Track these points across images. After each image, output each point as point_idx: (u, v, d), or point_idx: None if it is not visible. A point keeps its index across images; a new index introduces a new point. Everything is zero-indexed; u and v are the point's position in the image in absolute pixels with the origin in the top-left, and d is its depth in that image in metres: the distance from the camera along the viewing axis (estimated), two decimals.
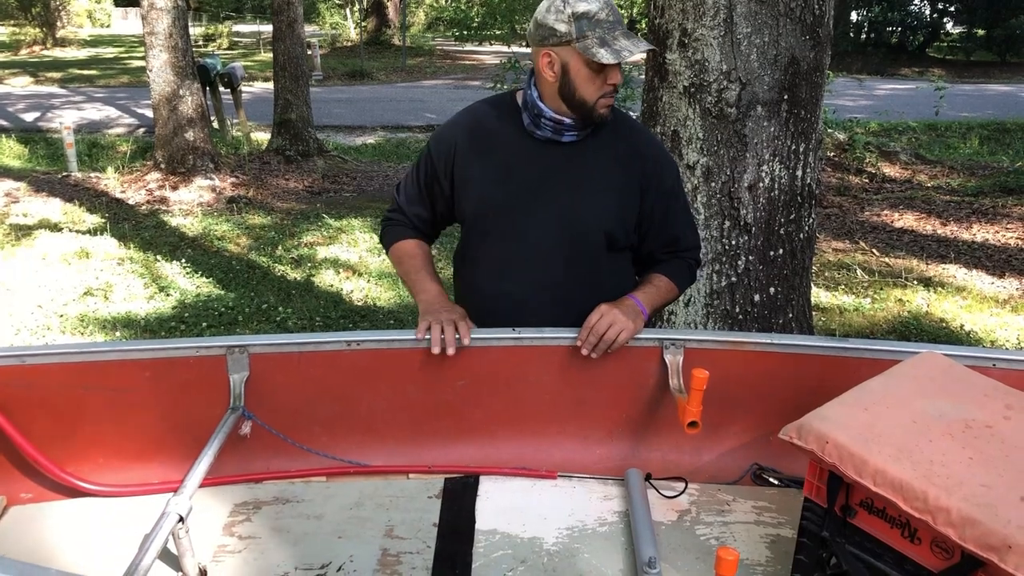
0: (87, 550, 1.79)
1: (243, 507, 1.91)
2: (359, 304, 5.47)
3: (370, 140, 12.18)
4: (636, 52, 1.86)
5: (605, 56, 1.83)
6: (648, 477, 1.95)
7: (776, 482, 1.97)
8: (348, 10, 29.12)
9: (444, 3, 42.50)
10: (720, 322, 2.97)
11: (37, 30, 28.09)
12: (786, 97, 2.79)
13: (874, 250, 6.66)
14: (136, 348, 1.94)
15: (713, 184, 2.86)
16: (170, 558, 1.65)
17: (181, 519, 1.61)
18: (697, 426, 1.82)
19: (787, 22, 2.73)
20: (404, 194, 2.20)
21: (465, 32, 12.00)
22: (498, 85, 9.67)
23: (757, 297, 2.95)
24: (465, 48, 26.93)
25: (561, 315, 2.04)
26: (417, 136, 12.53)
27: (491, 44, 12.17)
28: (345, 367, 2.00)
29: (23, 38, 27.92)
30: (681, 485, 1.93)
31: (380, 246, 6.52)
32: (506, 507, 1.89)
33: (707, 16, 2.75)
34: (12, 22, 28.74)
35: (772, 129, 2.81)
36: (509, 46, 10.34)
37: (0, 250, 6.49)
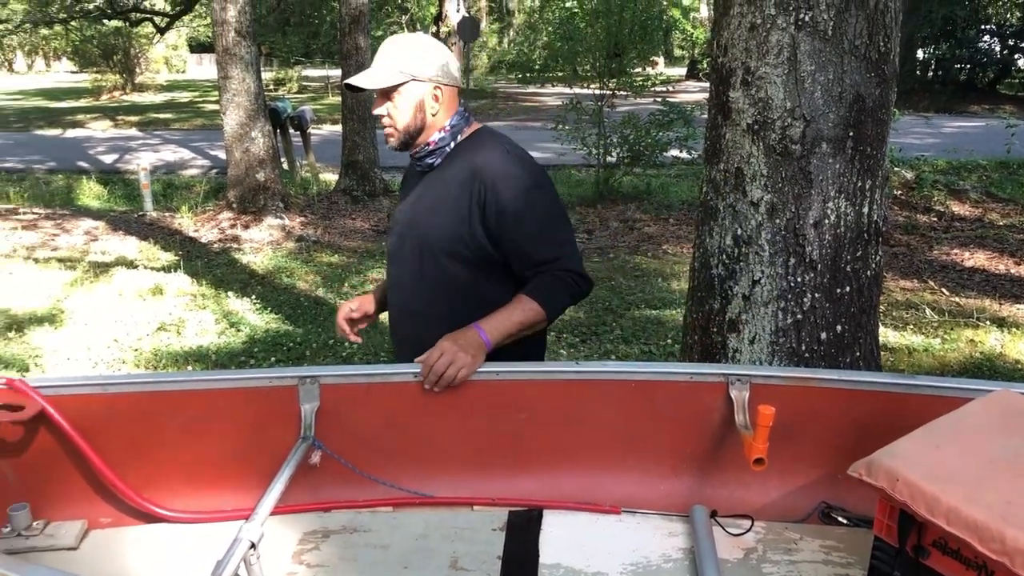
0: (159, 574, 1.84)
1: (312, 535, 1.95)
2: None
3: None
4: (350, 81, 2.16)
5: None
6: (714, 514, 1.93)
7: (845, 521, 1.93)
8: None
9: (507, 47, 43.15)
10: (786, 360, 2.94)
11: (117, 76, 29.31)
12: (851, 134, 2.78)
13: (943, 289, 6.52)
14: (212, 378, 2.00)
15: (777, 221, 2.85)
16: None
17: (253, 545, 1.65)
18: (763, 463, 1.81)
19: (852, 59, 2.72)
20: None
21: (528, 75, 12.15)
22: (559, 126, 9.76)
23: (823, 335, 2.91)
24: (527, 90, 27.27)
25: (421, 331, 2.18)
26: None
27: (553, 86, 12.28)
28: (411, 398, 2.04)
29: (104, 84, 29.18)
30: (747, 523, 1.91)
31: None
32: (570, 542, 1.90)
33: (770, 54, 2.76)
34: (95, 69, 30.05)
35: (837, 166, 2.79)
36: (571, 87, 10.41)
37: (80, 286, 6.73)
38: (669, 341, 5.31)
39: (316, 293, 6.64)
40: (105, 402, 1.97)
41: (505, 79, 32.82)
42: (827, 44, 2.72)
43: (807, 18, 2.72)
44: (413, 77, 2.14)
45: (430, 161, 2.24)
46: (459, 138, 2.23)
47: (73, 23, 25.29)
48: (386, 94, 2.15)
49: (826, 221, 2.84)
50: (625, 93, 10.14)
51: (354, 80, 2.15)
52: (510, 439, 2.08)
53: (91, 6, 22.74)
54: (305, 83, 29.78)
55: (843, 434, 1.98)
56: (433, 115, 2.19)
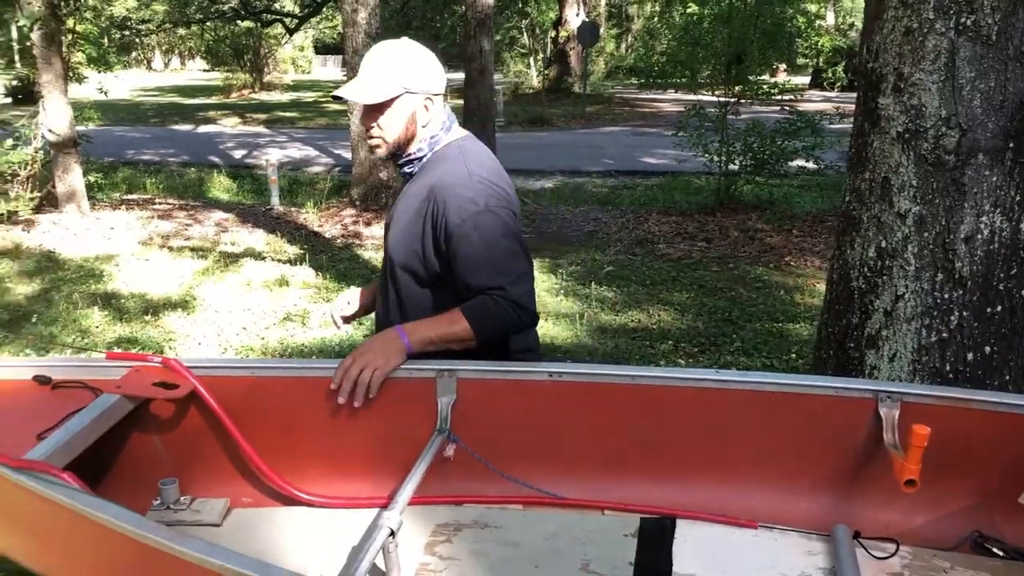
0: (298, 555, 1.89)
1: (444, 528, 1.96)
2: None
3: (548, 184, 12.39)
4: (339, 94, 2.12)
5: None
6: (856, 535, 1.85)
7: (1001, 553, 1.82)
8: (532, 59, 29.93)
9: (624, 52, 42.93)
10: (928, 380, 2.80)
11: (247, 75, 30.56)
12: (1011, 145, 2.63)
13: None
14: None
15: (926, 234, 2.72)
16: (375, 571, 1.72)
17: (392, 533, 1.68)
18: (915, 485, 1.72)
19: (1017, 66, 2.58)
20: None
21: (649, 79, 12.04)
22: (679, 132, 9.63)
23: (970, 356, 2.76)
24: (643, 96, 27.04)
25: None
26: (595, 180, 12.64)
27: (673, 92, 12.13)
28: (546, 397, 2.03)
29: (235, 82, 30.47)
30: (892, 546, 1.83)
31: (558, 286, 6.62)
32: (704, 553, 1.86)
33: (926, 60, 2.64)
34: (226, 68, 31.44)
35: (994, 178, 2.65)
36: (696, 93, 10.25)
37: (210, 275, 7.03)
38: (793, 355, 5.15)
39: None
40: (252, 385, 2.04)
41: (622, 84, 32.68)
42: (990, 50, 2.58)
43: (968, 22, 2.59)
44: (407, 89, 2.08)
45: (408, 170, 2.22)
46: (435, 148, 2.19)
47: (208, 23, 26.50)
48: (376, 107, 2.10)
49: (979, 236, 2.70)
50: (747, 100, 9.92)
51: (346, 92, 2.09)
52: (644, 444, 2.05)
53: (226, 7, 23.77)
54: None
55: (1001, 460, 1.87)
56: (423, 126, 2.15)
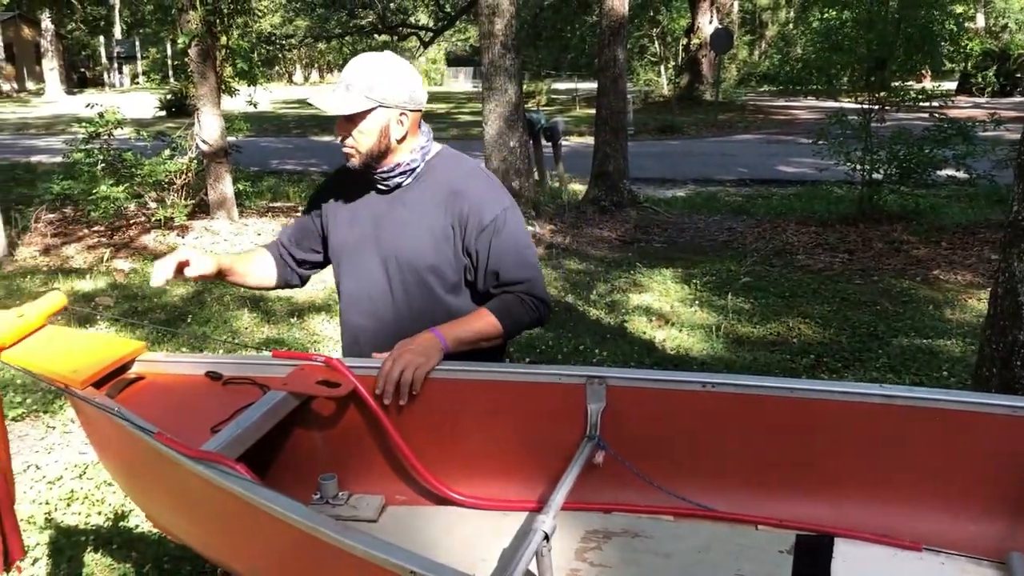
0: (451, 554, 1.92)
1: (594, 535, 1.96)
2: (672, 353, 5.47)
3: (680, 193, 12.23)
4: (311, 102, 2.15)
5: None
6: None
7: None
8: (662, 67, 29.65)
9: (757, 59, 41.97)
10: None
11: None
12: None
13: None
14: (505, 371, 2.08)
15: None
16: (526, 574, 1.73)
17: (546, 537, 1.69)
18: None
19: None
20: (284, 230, 2.49)
21: (784, 86, 11.74)
22: (819, 140, 9.31)
23: None
24: (778, 103, 26.37)
25: (388, 346, 2.13)
26: (728, 190, 12.39)
27: (817, 98, 11.75)
28: (697, 408, 2.00)
29: None
30: None
31: (692, 297, 6.52)
32: (864, 574, 1.78)
33: None
34: None
35: None
36: (837, 100, 9.91)
37: None
38: (944, 374, 4.90)
39: (565, 299, 6.75)
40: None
41: (754, 91, 31.94)
42: None
43: None
44: (380, 103, 2.10)
45: (398, 181, 2.23)
46: (428, 157, 2.24)
47: (346, 38, 27.46)
48: (350, 118, 2.11)
49: None
50: (891, 107, 9.50)
51: (319, 103, 2.12)
52: (799, 459, 1.98)
53: (364, 22, 24.58)
54: (553, 96, 30.51)
55: None
56: (398, 140, 2.16)
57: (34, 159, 16.14)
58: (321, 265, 2.49)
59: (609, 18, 9.77)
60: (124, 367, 2.09)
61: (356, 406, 2.09)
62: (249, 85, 10.54)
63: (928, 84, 13.89)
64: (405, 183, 2.24)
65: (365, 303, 2.28)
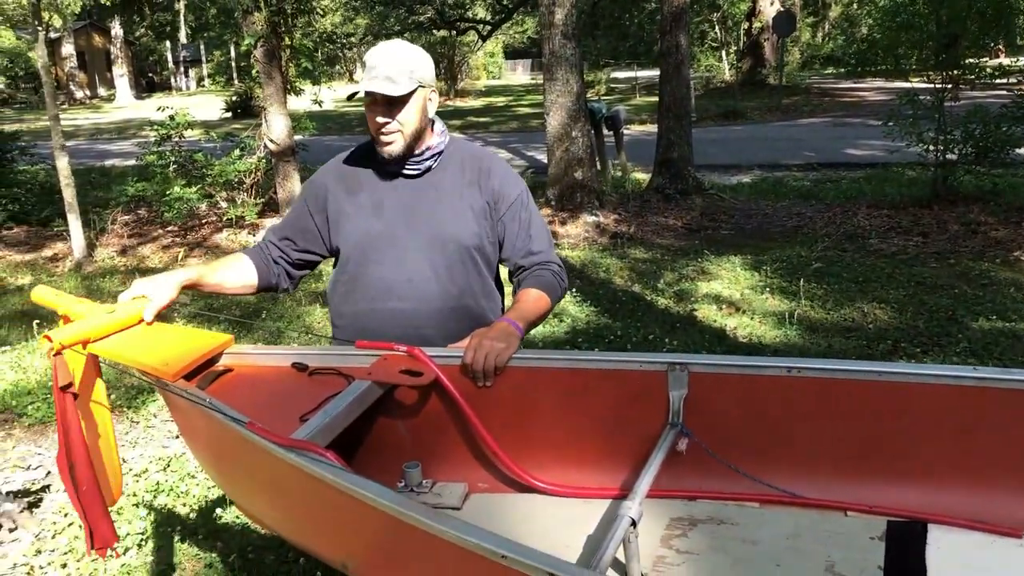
0: (533, 541, 1.92)
1: (679, 522, 1.95)
2: (744, 341, 5.40)
3: (745, 179, 12.05)
4: (362, 89, 2.15)
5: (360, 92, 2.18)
6: None
7: None
8: (723, 52, 29.23)
9: (821, 41, 41.08)
10: None
11: (442, 83, 31.73)
12: None
13: None
14: (586, 358, 2.08)
15: None
16: (613, 561, 1.72)
17: (633, 523, 1.68)
18: None
19: None
20: (272, 232, 2.45)
21: (851, 68, 11.45)
22: (889, 122, 9.05)
23: None
24: (843, 85, 25.77)
25: (451, 325, 2.27)
26: (795, 174, 12.17)
27: (877, 80, 11.46)
28: (782, 393, 1.97)
29: None
30: None
31: (763, 283, 6.42)
32: (961, 562, 1.74)
33: None
34: None
35: None
36: (908, 80, 9.63)
37: None
38: None
39: (632, 288, 6.71)
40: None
41: (819, 74, 31.27)
42: None
43: None
44: (420, 83, 2.19)
45: (429, 164, 2.30)
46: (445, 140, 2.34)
47: (406, 35, 27.65)
48: (393, 103, 2.16)
49: None
50: (964, 86, 9.20)
51: (376, 87, 2.13)
52: (888, 444, 1.94)
53: (423, 18, 24.71)
54: (613, 84, 30.31)
55: None
56: (430, 120, 2.28)
57: (108, 163, 16.63)
58: (315, 264, 2.48)
59: (670, 4, 9.65)
60: (213, 360, 2.14)
61: (437, 395, 2.11)
62: (313, 84, 10.68)
63: (1004, 60, 13.41)
64: (433, 167, 2.32)
65: (404, 287, 2.28)
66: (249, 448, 1.82)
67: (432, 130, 2.31)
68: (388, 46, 2.22)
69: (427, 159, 2.30)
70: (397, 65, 2.15)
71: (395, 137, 2.20)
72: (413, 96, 2.18)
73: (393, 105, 2.17)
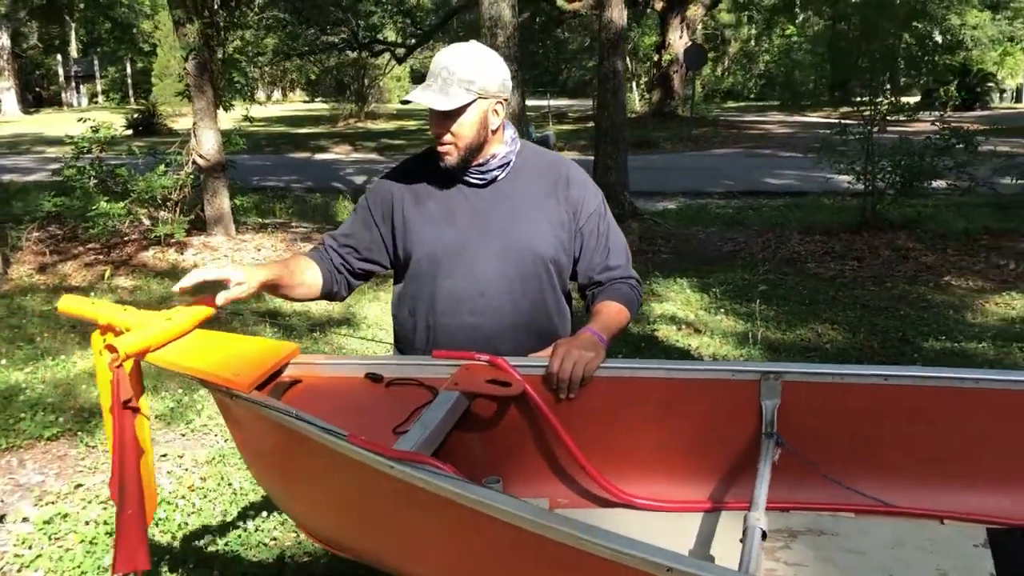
0: None
1: (778, 534, 1.90)
2: (709, 359, 5.44)
3: (671, 205, 12.29)
4: (412, 97, 2.08)
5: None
6: None
7: None
8: (635, 83, 29.92)
9: (721, 75, 42.52)
10: None
11: (352, 105, 31.44)
12: None
13: None
14: (676, 367, 2.02)
15: None
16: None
17: (764, 535, 1.63)
18: None
19: None
20: (333, 238, 2.31)
21: (751, 101, 11.89)
22: (819, 153, 9.39)
23: None
24: (745, 118, 26.71)
25: (523, 340, 2.17)
26: (718, 202, 12.50)
27: (774, 113, 11.92)
28: (875, 401, 1.95)
29: (340, 112, 31.39)
30: None
31: (715, 305, 6.51)
32: None
33: None
34: (331, 98, 32.48)
35: None
36: (804, 114, 10.00)
37: (365, 293, 7.14)
38: None
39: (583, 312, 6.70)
40: None
41: (719, 107, 32.31)
42: None
43: None
44: (479, 95, 2.06)
45: (496, 174, 2.18)
46: (517, 148, 2.22)
47: (313, 56, 27.25)
48: (449, 114, 2.06)
49: None
50: (862, 123, 9.66)
51: (422, 98, 2.05)
52: (980, 450, 1.95)
53: (336, 39, 24.42)
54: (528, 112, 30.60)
55: None
56: (493, 131, 2.13)
57: (6, 178, 15.74)
58: (374, 275, 2.37)
59: (608, 31, 9.80)
60: (280, 370, 1.99)
61: (517, 406, 2.02)
62: (243, 101, 10.37)
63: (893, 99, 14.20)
64: (501, 176, 2.19)
65: (477, 300, 2.17)
66: (342, 463, 1.69)
67: (498, 138, 2.16)
68: (454, 50, 2.09)
69: (493, 169, 2.17)
70: (456, 74, 2.04)
71: (449, 149, 2.11)
72: (469, 108, 2.06)
73: (447, 117, 2.07)
